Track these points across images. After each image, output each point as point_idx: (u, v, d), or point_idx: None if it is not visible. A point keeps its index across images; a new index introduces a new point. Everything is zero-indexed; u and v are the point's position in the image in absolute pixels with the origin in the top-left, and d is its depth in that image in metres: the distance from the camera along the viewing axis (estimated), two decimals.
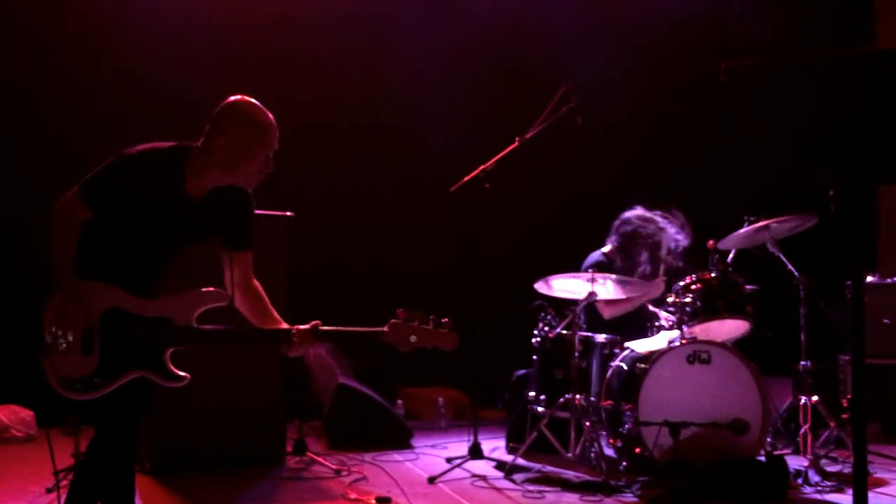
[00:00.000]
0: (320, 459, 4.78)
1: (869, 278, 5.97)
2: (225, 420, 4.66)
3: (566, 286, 4.85)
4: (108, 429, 2.86)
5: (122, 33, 6.17)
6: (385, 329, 2.83)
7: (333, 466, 4.67)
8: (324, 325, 2.84)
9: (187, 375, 2.83)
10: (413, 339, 2.82)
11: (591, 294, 4.72)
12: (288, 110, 6.43)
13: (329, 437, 5.49)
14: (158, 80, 6.11)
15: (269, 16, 6.58)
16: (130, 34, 6.18)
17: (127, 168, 2.84)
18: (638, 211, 5.27)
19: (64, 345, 2.77)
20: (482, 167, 4.75)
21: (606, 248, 5.31)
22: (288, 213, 4.93)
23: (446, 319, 2.85)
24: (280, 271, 4.77)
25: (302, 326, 2.84)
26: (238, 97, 2.92)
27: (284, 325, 2.89)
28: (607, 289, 4.83)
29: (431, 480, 4.48)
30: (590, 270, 4.78)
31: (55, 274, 2.80)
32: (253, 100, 2.92)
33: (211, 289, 2.88)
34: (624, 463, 4.61)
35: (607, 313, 5.14)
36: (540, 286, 4.85)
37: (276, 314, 2.95)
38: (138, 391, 2.84)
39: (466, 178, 4.80)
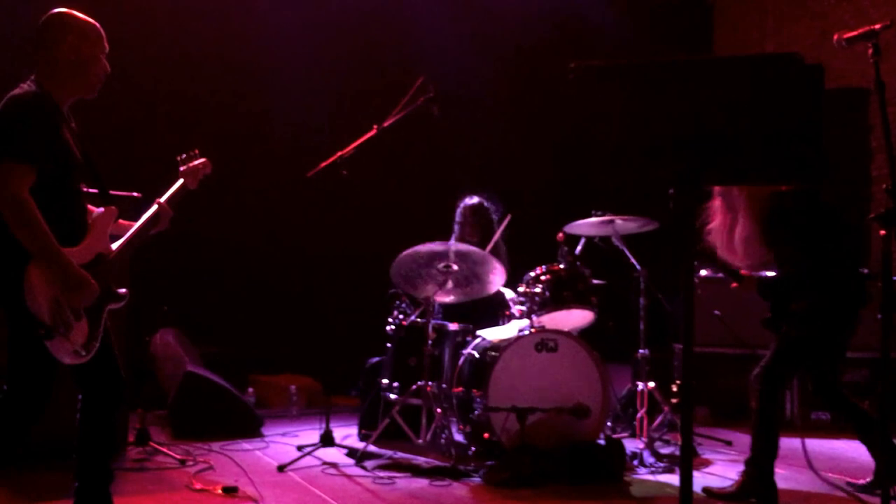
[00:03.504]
0: (164, 449, 4.62)
1: (703, 272, 6.34)
2: (56, 408, 4.39)
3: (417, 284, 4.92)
4: (101, 384, 3.09)
5: None
6: (183, 179, 3.46)
7: (178, 456, 4.52)
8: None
9: (126, 290, 3.13)
10: (198, 174, 3.52)
11: (445, 282, 4.81)
12: (147, 91, 6.23)
13: (174, 427, 5.31)
14: None
15: None
16: None
17: (36, 108, 2.82)
18: (466, 197, 5.61)
19: (71, 320, 2.83)
20: (339, 153, 4.72)
21: (451, 240, 5.54)
22: (135, 194, 4.72)
23: (196, 151, 3.58)
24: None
25: (163, 198, 3.35)
26: (57, 10, 3.02)
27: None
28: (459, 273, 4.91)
29: (281, 468, 4.42)
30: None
31: (37, 253, 2.75)
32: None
33: (101, 210, 3.11)
34: (473, 448, 4.73)
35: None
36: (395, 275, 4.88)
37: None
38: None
39: (323, 164, 4.76)
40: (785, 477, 4.35)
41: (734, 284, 4.26)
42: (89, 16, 3.10)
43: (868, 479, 4.21)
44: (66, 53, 2.95)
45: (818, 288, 4.01)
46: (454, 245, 4.82)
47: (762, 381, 4.00)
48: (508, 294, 5.25)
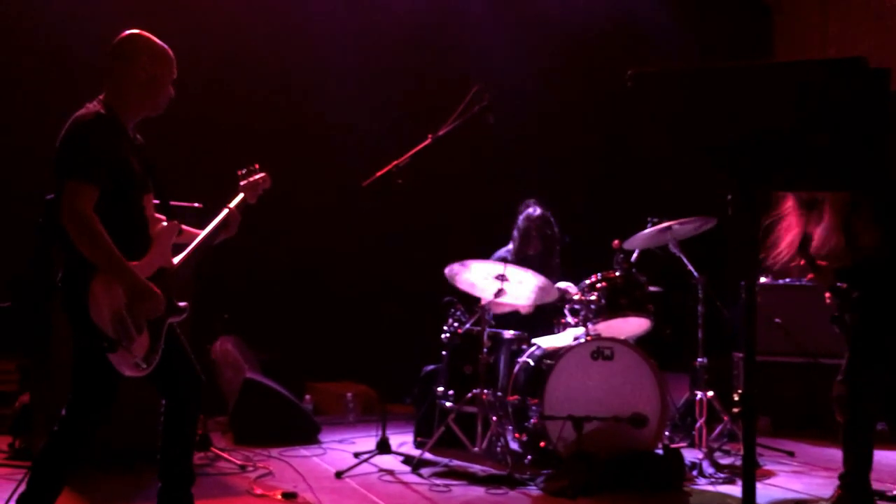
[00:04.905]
0: (225, 455, 4.70)
1: (762, 279, 6.23)
2: (123, 415, 4.51)
3: (474, 282, 4.91)
4: (182, 388, 3.20)
5: None
6: (242, 194, 3.47)
7: (239, 462, 4.60)
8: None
9: (186, 304, 3.18)
10: (258, 189, 3.53)
11: (501, 292, 4.79)
12: (203, 103, 6.37)
13: (235, 433, 5.41)
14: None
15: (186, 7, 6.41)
16: None
17: (98, 129, 2.91)
18: (529, 208, 5.52)
19: (134, 333, 2.92)
20: (395, 162, 4.76)
21: (510, 246, 5.51)
22: (196, 205, 4.82)
23: (256, 165, 3.60)
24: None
25: (232, 205, 3.39)
26: (131, 31, 3.11)
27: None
28: (513, 286, 4.90)
29: (339, 475, 4.47)
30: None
31: (103, 266, 2.86)
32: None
33: (163, 226, 3.16)
34: (529, 456, 4.71)
35: (498, 309, 5.24)
36: (450, 270, 4.84)
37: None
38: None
39: (379, 174, 4.80)
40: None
41: (810, 276, 4.03)
42: (148, 30, 3.18)
43: None
44: (138, 73, 3.04)
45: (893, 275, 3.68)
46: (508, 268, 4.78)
47: (846, 390, 3.79)
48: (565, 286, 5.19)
